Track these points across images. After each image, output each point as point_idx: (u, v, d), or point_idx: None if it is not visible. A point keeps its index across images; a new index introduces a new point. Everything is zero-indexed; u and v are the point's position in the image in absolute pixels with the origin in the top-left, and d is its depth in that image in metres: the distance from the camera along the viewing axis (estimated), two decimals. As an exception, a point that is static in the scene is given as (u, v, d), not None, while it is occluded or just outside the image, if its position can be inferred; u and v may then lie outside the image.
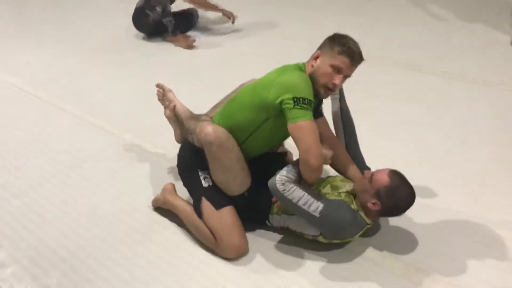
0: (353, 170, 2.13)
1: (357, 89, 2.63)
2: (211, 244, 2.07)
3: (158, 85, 2.54)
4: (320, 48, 2.00)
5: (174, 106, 2.45)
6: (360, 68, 2.01)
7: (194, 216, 2.12)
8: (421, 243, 2.08)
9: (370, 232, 2.09)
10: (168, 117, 2.51)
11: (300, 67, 2.02)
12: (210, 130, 2.02)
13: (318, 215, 1.86)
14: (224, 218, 2.04)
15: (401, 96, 3.38)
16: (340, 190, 2.01)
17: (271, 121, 1.99)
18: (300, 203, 1.88)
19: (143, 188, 2.54)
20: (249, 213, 2.11)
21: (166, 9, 4.34)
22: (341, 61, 1.92)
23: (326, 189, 2.03)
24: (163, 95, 2.53)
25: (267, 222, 2.13)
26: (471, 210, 2.26)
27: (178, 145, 2.39)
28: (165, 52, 4.34)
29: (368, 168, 2.15)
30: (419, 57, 3.96)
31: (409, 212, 1.97)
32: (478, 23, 4.59)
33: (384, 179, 1.88)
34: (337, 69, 1.93)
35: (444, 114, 3.14)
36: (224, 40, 4.55)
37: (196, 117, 2.31)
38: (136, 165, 2.74)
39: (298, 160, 1.96)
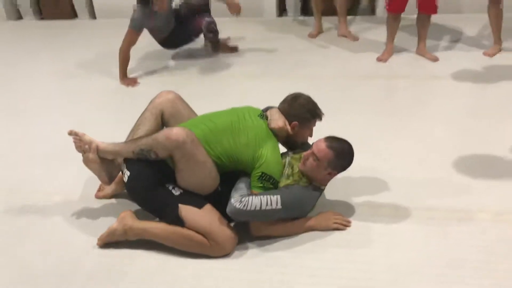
0: None
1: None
2: (204, 247, 2.07)
3: (70, 133, 2.28)
4: (296, 119, 2.28)
5: (97, 147, 2.26)
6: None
7: (176, 228, 2.08)
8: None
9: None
10: (91, 162, 2.25)
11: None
12: (179, 131, 2.06)
13: (281, 207, 2.08)
14: (210, 214, 2.10)
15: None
16: (288, 174, 2.23)
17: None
18: (263, 207, 2.05)
19: (70, 238, 2.29)
20: (223, 207, 2.15)
21: None
22: (314, 123, 2.35)
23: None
24: (79, 141, 2.28)
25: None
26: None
27: (74, 183, 2.49)
28: None
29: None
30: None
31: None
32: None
33: (327, 151, 2.16)
34: (311, 130, 2.36)
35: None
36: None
37: (138, 138, 2.22)
38: (38, 221, 2.41)
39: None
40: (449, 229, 2.18)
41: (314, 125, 2.36)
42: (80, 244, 2.22)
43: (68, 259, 2.14)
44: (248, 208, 2.02)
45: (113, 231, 2.17)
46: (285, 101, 2.35)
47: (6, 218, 2.44)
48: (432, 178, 2.55)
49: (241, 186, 2.16)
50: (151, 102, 2.43)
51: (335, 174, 2.25)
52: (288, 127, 2.27)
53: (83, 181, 2.63)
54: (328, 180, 2.28)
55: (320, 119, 2.33)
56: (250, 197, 2.04)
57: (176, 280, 2.00)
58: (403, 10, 3.97)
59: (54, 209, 2.46)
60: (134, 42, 3.98)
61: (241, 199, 2.03)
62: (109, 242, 2.18)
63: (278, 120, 2.27)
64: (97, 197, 2.52)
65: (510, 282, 1.89)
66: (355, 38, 4.64)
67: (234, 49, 4.51)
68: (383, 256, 2.06)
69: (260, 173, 2.14)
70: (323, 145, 2.17)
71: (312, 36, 4.78)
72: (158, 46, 4.33)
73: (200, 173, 2.13)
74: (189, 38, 4.32)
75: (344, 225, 2.23)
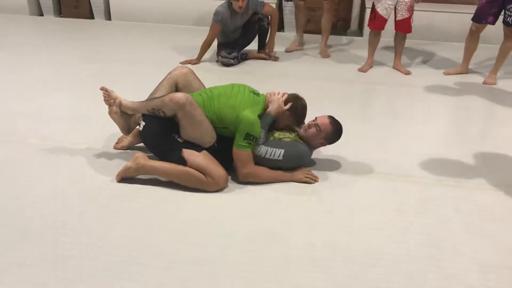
0: None
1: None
2: (202, 183, 2.59)
3: (102, 88, 2.82)
4: (291, 111, 2.77)
5: (120, 102, 2.80)
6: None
7: (180, 167, 2.62)
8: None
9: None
10: (114, 113, 2.79)
11: (261, 105, 2.77)
12: (180, 95, 2.61)
13: (282, 158, 2.68)
14: (207, 157, 2.64)
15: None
16: (288, 135, 2.81)
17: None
18: (267, 156, 2.65)
19: (93, 173, 2.81)
20: (219, 160, 2.71)
21: None
22: (296, 123, 2.86)
23: (278, 135, 2.80)
24: (108, 96, 2.82)
25: (233, 165, 2.78)
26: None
27: (96, 138, 3.06)
28: None
29: None
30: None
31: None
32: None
33: (329, 125, 2.76)
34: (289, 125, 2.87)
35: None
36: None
37: (151, 99, 2.78)
38: (69, 160, 2.94)
39: None
40: (398, 185, 2.76)
41: (294, 125, 2.86)
42: (101, 178, 2.74)
43: (92, 188, 2.66)
44: (256, 152, 2.59)
45: (128, 168, 2.69)
46: (291, 94, 2.87)
47: (41, 155, 2.96)
48: (385, 156, 3.14)
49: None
50: (169, 73, 2.97)
51: (325, 145, 2.84)
52: (283, 105, 2.79)
53: (104, 138, 3.17)
54: (318, 147, 2.88)
55: (300, 125, 2.86)
56: (260, 146, 2.61)
57: (179, 206, 2.52)
58: (382, 28, 4.61)
59: (80, 154, 2.99)
60: (217, 34, 4.69)
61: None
62: (125, 177, 2.70)
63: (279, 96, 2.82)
64: (115, 148, 3.06)
65: (432, 222, 2.45)
66: (327, 55, 5.18)
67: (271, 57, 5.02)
68: (342, 199, 2.62)
69: (245, 134, 2.64)
70: (327, 121, 2.79)
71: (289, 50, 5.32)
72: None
73: (198, 130, 2.65)
74: (247, 43, 4.95)
75: (313, 179, 2.79)
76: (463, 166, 3.02)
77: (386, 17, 4.52)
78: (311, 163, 2.93)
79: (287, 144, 2.75)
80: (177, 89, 2.93)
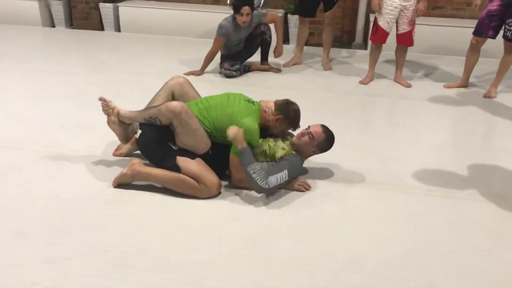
0: None
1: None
2: (195, 189, 2.67)
3: (100, 99, 2.92)
4: (281, 113, 2.84)
5: (118, 112, 2.89)
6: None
7: (174, 173, 2.69)
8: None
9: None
10: (113, 123, 2.89)
11: (257, 113, 2.84)
12: (176, 104, 2.69)
13: (288, 178, 2.72)
14: (200, 164, 2.71)
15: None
16: (282, 145, 2.85)
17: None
18: (279, 181, 2.67)
19: (91, 179, 2.90)
20: (212, 167, 2.78)
21: None
22: (290, 127, 2.91)
23: (273, 150, 2.82)
24: (107, 106, 2.91)
25: (227, 171, 2.85)
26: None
27: (97, 145, 3.16)
28: None
29: None
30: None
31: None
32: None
33: (321, 134, 2.82)
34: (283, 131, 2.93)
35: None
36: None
37: (148, 108, 2.87)
38: (69, 165, 3.03)
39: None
40: (389, 194, 2.80)
41: (289, 129, 2.94)
42: (98, 183, 2.83)
43: (88, 192, 2.74)
44: (271, 186, 2.64)
45: (124, 174, 2.78)
46: (283, 100, 2.94)
47: (43, 161, 3.06)
48: (379, 166, 3.18)
49: (260, 168, 2.69)
50: (165, 83, 3.05)
51: (317, 153, 2.90)
52: (271, 104, 2.87)
53: (103, 145, 3.27)
54: (310, 156, 2.93)
55: (295, 128, 2.93)
56: (269, 178, 2.63)
57: (171, 211, 2.60)
58: (384, 41, 4.67)
59: (80, 160, 3.09)
60: (220, 47, 4.81)
61: (265, 181, 2.62)
62: (121, 183, 2.79)
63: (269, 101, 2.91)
64: (114, 155, 3.15)
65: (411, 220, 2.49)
66: (329, 68, 5.25)
67: (273, 69, 5.12)
68: (331, 207, 2.67)
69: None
70: (320, 129, 2.85)
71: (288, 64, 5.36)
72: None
73: (193, 137, 2.72)
74: (249, 55, 5.06)
75: (305, 188, 2.84)
76: (457, 177, 3.05)
77: (388, 30, 4.58)
78: (304, 172, 2.99)
79: (285, 163, 2.75)
80: (173, 98, 3.01)
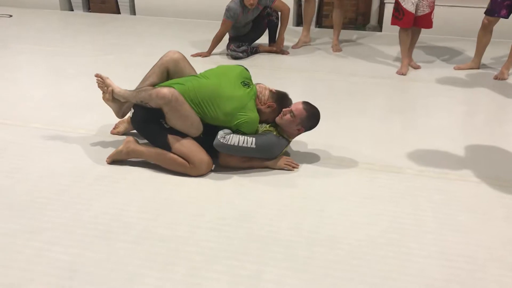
0: None
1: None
2: (185, 168, 2.70)
3: (96, 75, 2.97)
4: (277, 104, 2.83)
5: (112, 90, 2.93)
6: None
7: (165, 152, 2.73)
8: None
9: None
10: (107, 100, 2.95)
11: (254, 97, 2.82)
12: (165, 91, 2.70)
13: (254, 146, 2.70)
14: (191, 143, 2.74)
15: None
16: (265, 127, 2.87)
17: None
18: (240, 143, 2.68)
19: (86, 156, 2.97)
20: (204, 147, 2.78)
21: None
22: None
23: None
24: (102, 82, 2.97)
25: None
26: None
27: (96, 124, 3.21)
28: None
29: None
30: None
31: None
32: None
33: (303, 111, 2.77)
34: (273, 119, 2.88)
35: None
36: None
37: (140, 91, 2.86)
38: (66, 143, 3.11)
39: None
40: (378, 174, 2.78)
41: (274, 120, 2.86)
42: (92, 160, 2.89)
43: (81, 167, 2.81)
44: (229, 142, 2.65)
45: (119, 151, 2.83)
46: (281, 92, 2.93)
47: (42, 138, 3.15)
48: (374, 147, 3.15)
49: (226, 128, 2.75)
50: (160, 59, 3.01)
51: (302, 131, 2.85)
52: (267, 92, 2.87)
53: (102, 124, 3.33)
54: (296, 135, 2.89)
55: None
56: (231, 135, 2.67)
57: (158, 188, 2.64)
58: (411, 24, 4.43)
59: (78, 138, 3.16)
60: (228, 29, 4.81)
61: (225, 136, 2.66)
62: (115, 160, 2.84)
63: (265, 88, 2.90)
64: (112, 133, 3.21)
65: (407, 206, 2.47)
66: (338, 50, 5.21)
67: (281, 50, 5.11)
68: (318, 186, 2.67)
69: (240, 131, 2.73)
70: (300, 106, 2.78)
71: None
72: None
73: (184, 123, 2.74)
74: (257, 37, 5.05)
75: (293, 167, 2.84)
76: (452, 158, 3.00)
77: (413, 12, 4.37)
78: (286, 154, 2.94)
79: (259, 134, 2.77)
80: (168, 75, 2.98)
